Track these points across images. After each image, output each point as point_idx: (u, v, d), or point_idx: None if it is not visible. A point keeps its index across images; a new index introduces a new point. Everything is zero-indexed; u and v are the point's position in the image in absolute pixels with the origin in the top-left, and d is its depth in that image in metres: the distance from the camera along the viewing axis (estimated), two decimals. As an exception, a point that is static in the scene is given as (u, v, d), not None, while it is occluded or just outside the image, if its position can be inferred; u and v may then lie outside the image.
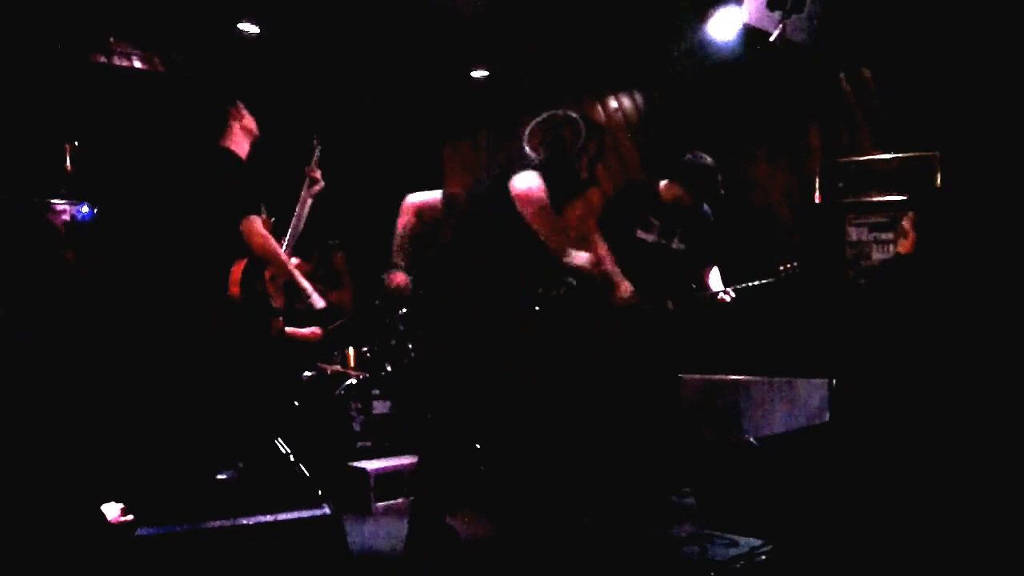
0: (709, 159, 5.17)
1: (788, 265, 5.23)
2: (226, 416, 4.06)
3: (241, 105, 4.34)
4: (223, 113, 4.28)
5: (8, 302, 4.11)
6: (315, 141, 4.72)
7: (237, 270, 4.05)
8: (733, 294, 5.27)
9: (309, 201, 4.65)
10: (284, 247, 4.45)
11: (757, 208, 6.93)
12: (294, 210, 4.61)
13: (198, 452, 4.02)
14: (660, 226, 5.31)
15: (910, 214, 4.93)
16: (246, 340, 4.12)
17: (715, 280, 5.41)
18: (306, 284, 4.28)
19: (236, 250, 4.05)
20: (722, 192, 5.20)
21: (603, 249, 5.16)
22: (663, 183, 5.28)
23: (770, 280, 5.25)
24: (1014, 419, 4.02)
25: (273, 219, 4.38)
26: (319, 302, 4.32)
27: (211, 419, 4.02)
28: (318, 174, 4.67)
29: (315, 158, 4.69)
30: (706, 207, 5.37)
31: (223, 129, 4.26)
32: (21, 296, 4.18)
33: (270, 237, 4.10)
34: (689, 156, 5.20)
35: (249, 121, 4.34)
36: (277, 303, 4.24)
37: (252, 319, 4.12)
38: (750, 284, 5.28)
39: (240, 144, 4.29)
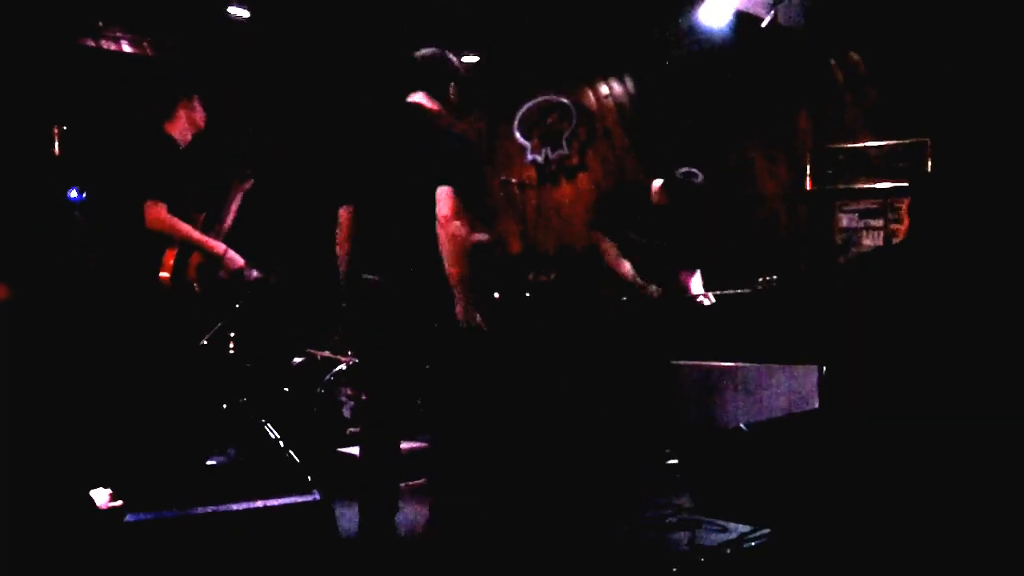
0: (700, 178, 5.33)
1: (767, 278, 5.36)
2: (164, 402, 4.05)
3: (197, 100, 4.32)
4: (173, 99, 4.26)
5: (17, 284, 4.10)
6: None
7: (169, 256, 4.06)
8: (712, 298, 5.45)
9: (239, 197, 4.54)
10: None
11: (747, 194, 6.94)
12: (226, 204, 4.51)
13: (185, 437, 4.01)
14: (642, 225, 5.46)
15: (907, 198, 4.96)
16: (175, 325, 4.12)
17: (696, 285, 5.58)
18: (217, 244, 4.22)
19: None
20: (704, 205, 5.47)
21: (612, 250, 5.39)
22: (655, 186, 5.45)
23: (747, 291, 5.39)
24: (1007, 407, 4.03)
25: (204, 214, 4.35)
26: (237, 259, 4.25)
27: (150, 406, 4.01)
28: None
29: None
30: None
31: (170, 114, 4.25)
32: (31, 285, 4.18)
33: (169, 218, 4.05)
34: (682, 173, 5.35)
35: (199, 116, 4.33)
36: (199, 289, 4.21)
37: (181, 304, 4.11)
38: (729, 292, 5.43)
39: (182, 132, 4.27)
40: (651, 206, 5.50)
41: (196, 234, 4.16)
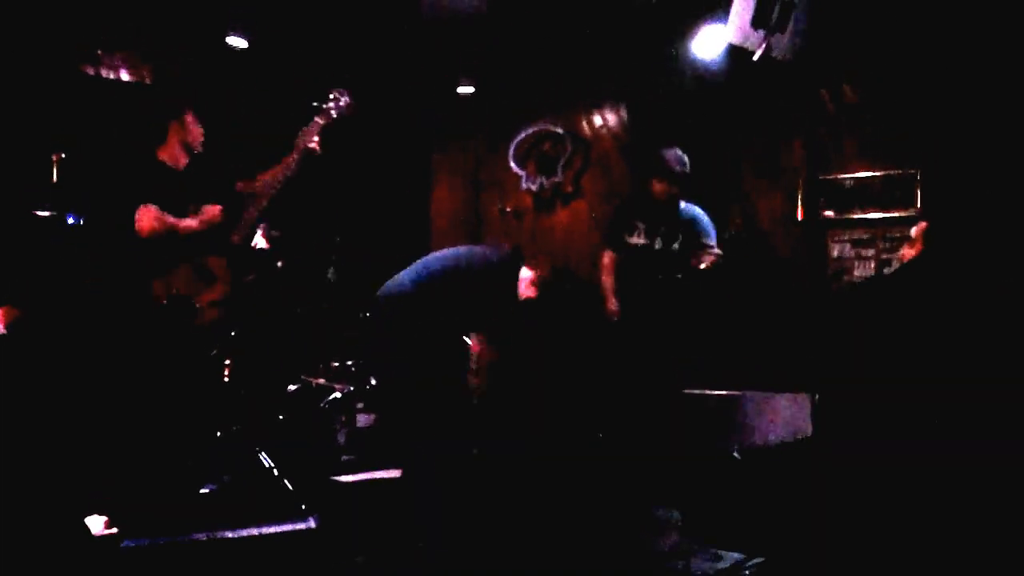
0: (677, 150, 5.42)
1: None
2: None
3: (190, 119, 4.35)
4: (164, 125, 4.30)
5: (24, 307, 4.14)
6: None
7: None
8: (714, 254, 5.37)
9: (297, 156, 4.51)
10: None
11: (740, 223, 6.97)
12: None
13: (181, 464, 4.01)
14: (645, 228, 5.50)
15: (922, 224, 4.98)
16: (169, 352, 4.15)
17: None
18: (192, 220, 4.24)
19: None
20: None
21: (607, 274, 5.46)
22: (655, 182, 5.53)
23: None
24: (999, 433, 4.05)
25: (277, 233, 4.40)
26: (209, 212, 4.26)
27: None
28: (315, 144, 4.56)
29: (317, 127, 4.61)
30: (696, 212, 5.56)
31: (163, 138, 4.30)
32: (35, 308, 4.22)
33: (161, 216, 4.09)
34: (659, 150, 5.46)
35: (192, 136, 4.35)
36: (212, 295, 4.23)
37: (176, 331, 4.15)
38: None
39: (174, 156, 4.31)
40: (646, 205, 5.58)
41: (183, 222, 4.19)
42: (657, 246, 5.54)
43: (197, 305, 4.15)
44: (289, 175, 4.48)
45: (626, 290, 5.61)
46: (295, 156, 4.49)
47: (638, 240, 5.59)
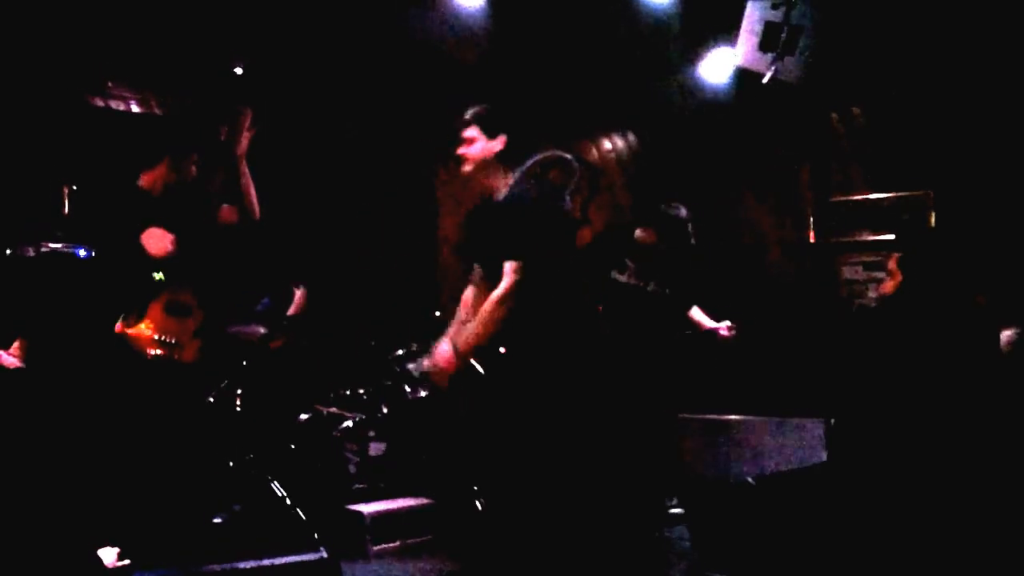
0: (684, 211, 5.38)
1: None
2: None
3: (191, 162, 4.34)
4: (160, 155, 4.29)
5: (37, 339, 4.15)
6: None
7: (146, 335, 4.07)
8: (733, 329, 5.42)
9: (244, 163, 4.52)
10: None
11: (749, 247, 6.96)
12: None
13: (191, 495, 4.00)
14: (635, 268, 5.49)
15: (895, 255, 4.97)
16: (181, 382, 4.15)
17: (701, 317, 5.56)
18: None
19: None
20: (692, 242, 5.48)
21: None
22: (639, 229, 5.50)
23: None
24: (1009, 457, 4.02)
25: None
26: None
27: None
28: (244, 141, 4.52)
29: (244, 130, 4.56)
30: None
31: (150, 167, 4.27)
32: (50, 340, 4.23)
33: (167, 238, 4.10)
34: (663, 206, 5.40)
35: (185, 178, 4.34)
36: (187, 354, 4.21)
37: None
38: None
39: (155, 184, 4.29)
40: (637, 247, 5.55)
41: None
42: (649, 288, 5.53)
43: (179, 342, 4.11)
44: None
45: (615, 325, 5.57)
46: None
47: (628, 280, 5.58)
